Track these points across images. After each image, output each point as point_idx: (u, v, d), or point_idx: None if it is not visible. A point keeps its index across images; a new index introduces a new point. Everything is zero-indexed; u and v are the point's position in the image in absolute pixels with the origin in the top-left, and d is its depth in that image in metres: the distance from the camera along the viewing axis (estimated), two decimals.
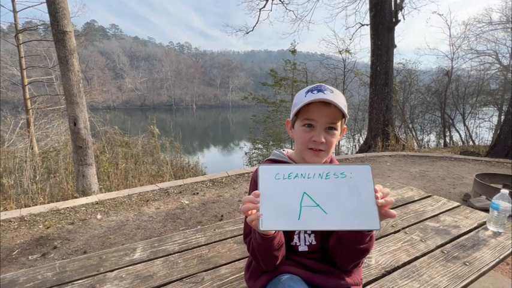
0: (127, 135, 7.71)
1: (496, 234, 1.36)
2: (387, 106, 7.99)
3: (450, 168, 4.99)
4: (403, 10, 8.42)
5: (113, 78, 62.31)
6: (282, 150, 0.97)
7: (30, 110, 8.47)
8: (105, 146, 6.71)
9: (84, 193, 3.96)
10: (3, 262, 2.25)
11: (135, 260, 1.17)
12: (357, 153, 8.28)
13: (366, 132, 9.38)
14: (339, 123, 0.82)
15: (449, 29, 14.78)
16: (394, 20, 7.97)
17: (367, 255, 0.95)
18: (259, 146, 10.44)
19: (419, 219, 1.54)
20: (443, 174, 4.57)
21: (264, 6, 11.37)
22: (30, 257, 2.32)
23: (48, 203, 3.64)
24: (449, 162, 5.44)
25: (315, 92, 0.79)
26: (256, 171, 0.71)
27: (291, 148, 1.01)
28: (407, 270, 1.10)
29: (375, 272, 1.09)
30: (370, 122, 8.30)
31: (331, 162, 0.91)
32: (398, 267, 1.12)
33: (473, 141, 10.34)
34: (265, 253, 0.78)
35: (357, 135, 12.36)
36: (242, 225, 0.97)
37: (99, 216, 3.07)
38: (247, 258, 1.02)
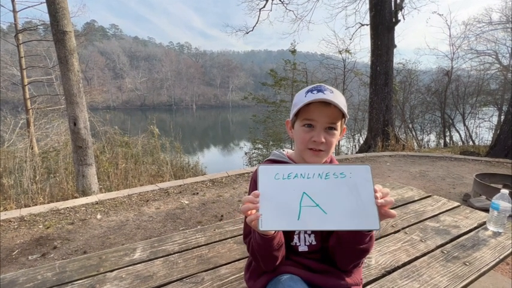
0: (127, 135, 7.71)
1: (496, 234, 1.36)
2: (387, 106, 7.99)
3: (450, 168, 4.99)
4: (403, 10, 8.43)
5: (112, 78, 62.31)
6: (281, 150, 0.97)
7: (30, 110, 8.47)
8: (105, 146, 6.71)
9: (84, 193, 3.96)
10: (3, 262, 2.25)
11: (135, 260, 1.17)
12: (357, 153, 8.28)
13: (365, 132, 9.38)
14: (338, 123, 0.82)
15: (449, 29, 14.79)
16: (394, 20, 7.97)
17: (367, 256, 0.95)
18: (259, 146, 10.44)
19: (419, 219, 1.54)
20: (443, 174, 4.57)
21: (264, 6, 11.38)
22: (30, 257, 2.32)
23: (48, 203, 3.64)
24: (449, 162, 5.44)
25: (315, 92, 0.79)
26: (256, 171, 0.71)
27: (291, 148, 1.01)
28: (407, 270, 1.10)
29: (375, 272, 1.09)
30: (370, 122, 8.30)
31: (331, 162, 0.91)
32: (398, 267, 1.12)
33: (473, 141, 10.35)
34: (264, 253, 0.78)
35: (357, 135, 12.36)
36: (242, 225, 0.97)
37: (99, 216, 3.07)
38: (247, 259, 1.02)
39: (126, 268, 1.12)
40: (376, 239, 1.33)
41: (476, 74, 12.96)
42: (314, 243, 0.86)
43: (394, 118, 8.69)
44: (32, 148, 6.76)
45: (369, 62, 8.38)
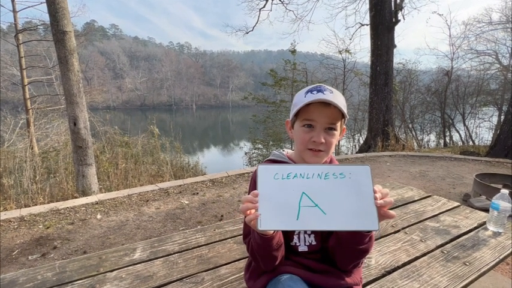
0: (127, 135, 7.71)
1: (496, 234, 1.36)
2: (387, 106, 7.99)
3: (450, 168, 4.99)
4: (403, 10, 8.42)
5: (112, 78, 62.30)
6: (281, 150, 0.97)
7: (30, 110, 8.47)
8: (105, 146, 6.71)
9: (84, 193, 3.96)
10: (3, 262, 2.25)
11: (135, 260, 1.17)
12: (356, 153, 8.28)
13: (365, 132, 9.38)
14: (338, 124, 0.82)
15: (449, 29, 14.80)
16: (394, 20, 7.97)
17: (367, 256, 0.95)
18: (259, 146, 10.44)
19: (419, 219, 1.54)
20: (443, 174, 4.57)
21: (264, 6, 11.38)
22: (30, 257, 2.32)
23: (48, 203, 3.64)
24: (449, 162, 5.44)
25: (315, 92, 0.79)
26: (256, 171, 0.71)
27: (291, 148, 1.01)
28: (407, 270, 1.10)
29: (375, 272, 1.09)
30: (370, 122, 8.30)
31: (331, 162, 0.91)
32: (398, 267, 1.12)
33: (473, 141, 10.34)
34: (264, 253, 0.78)
35: (356, 135, 12.36)
36: (242, 226, 0.97)
37: (99, 216, 3.07)
38: (247, 259, 1.02)
39: (126, 268, 1.12)
40: (376, 239, 1.33)
41: (476, 74, 12.97)
42: (314, 243, 0.86)
43: (394, 118, 8.69)
44: (32, 148, 6.76)
45: (369, 62, 8.38)
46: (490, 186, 3.07)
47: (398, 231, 1.42)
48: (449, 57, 12.27)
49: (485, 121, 11.70)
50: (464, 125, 11.13)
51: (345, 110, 0.79)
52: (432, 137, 11.97)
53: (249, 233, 0.84)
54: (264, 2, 11.26)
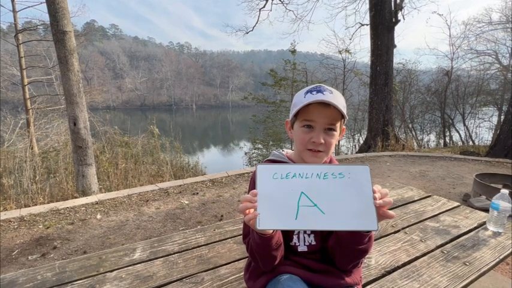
0: (127, 135, 7.71)
1: (496, 234, 1.36)
2: (387, 106, 7.99)
3: (450, 168, 4.99)
4: (403, 10, 8.43)
5: (112, 78, 62.29)
6: (281, 150, 0.97)
7: (30, 110, 8.47)
8: (105, 146, 6.71)
9: (84, 193, 3.96)
10: (3, 262, 2.25)
11: (135, 260, 1.17)
12: (356, 153, 8.28)
13: (365, 132, 9.39)
14: (338, 124, 0.82)
15: (449, 29, 14.82)
16: (394, 20, 7.97)
17: (367, 256, 0.95)
18: (259, 146, 10.44)
19: (419, 219, 1.54)
20: (443, 174, 4.57)
21: (263, 6, 11.37)
22: (30, 257, 2.32)
23: (48, 203, 3.63)
24: (449, 162, 5.44)
25: (314, 92, 0.79)
26: (255, 170, 0.71)
27: (291, 148, 1.00)
28: (407, 270, 1.10)
29: (374, 272, 1.09)
30: (370, 122, 8.30)
31: (330, 162, 0.91)
32: (398, 267, 1.12)
33: (473, 141, 10.35)
34: (263, 253, 0.78)
35: (356, 135, 12.36)
36: (242, 226, 0.97)
37: (99, 216, 3.07)
38: (246, 259, 1.02)
39: (126, 268, 1.12)
40: (376, 239, 1.33)
41: (476, 74, 12.98)
42: (314, 243, 0.86)
43: (394, 118, 8.69)
44: (32, 148, 6.76)
45: (369, 62, 8.38)
46: (490, 186, 3.07)
47: (398, 231, 1.42)
48: (449, 57, 12.29)
49: (485, 121, 11.71)
50: (464, 125, 11.13)
51: (344, 111, 0.79)
52: (432, 137, 11.97)
53: (249, 233, 0.84)
54: (264, 2, 11.27)
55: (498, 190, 1.43)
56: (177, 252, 1.24)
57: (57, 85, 11.31)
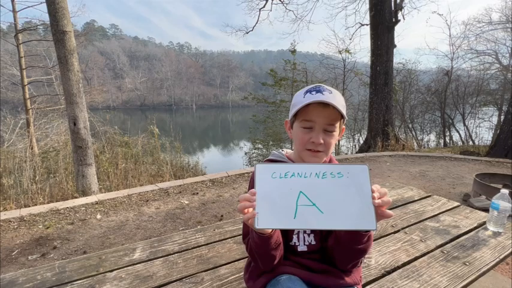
0: (127, 135, 7.72)
1: (496, 234, 1.36)
2: (387, 106, 7.99)
3: (450, 168, 4.99)
4: (403, 10, 8.41)
5: (112, 78, 62.27)
6: (281, 150, 0.97)
7: (30, 110, 8.47)
8: (105, 146, 6.71)
9: (84, 193, 3.96)
10: (2, 262, 2.25)
11: (135, 260, 1.17)
12: (356, 153, 8.28)
13: (365, 132, 9.39)
14: (337, 124, 0.82)
15: (449, 29, 14.86)
16: (394, 20, 7.97)
17: (367, 255, 0.95)
18: (259, 146, 10.44)
19: (419, 219, 1.54)
20: (443, 174, 4.57)
21: (263, 6, 11.37)
22: (29, 257, 2.32)
23: (48, 203, 3.63)
24: (449, 162, 5.44)
25: (314, 92, 0.79)
26: (254, 170, 0.71)
27: (291, 148, 1.00)
28: (407, 270, 1.10)
29: (374, 272, 1.09)
30: (370, 122, 8.30)
31: (330, 162, 0.91)
32: (398, 267, 1.12)
33: (473, 141, 10.34)
34: (262, 252, 0.78)
35: (356, 135, 12.37)
36: (242, 226, 0.97)
37: (98, 216, 3.07)
38: (246, 259, 1.02)
39: (125, 268, 1.12)
40: (376, 239, 1.33)
41: (476, 74, 12.98)
42: (313, 243, 0.86)
43: (394, 118, 8.69)
44: (32, 148, 6.76)
45: (369, 62, 8.37)
46: (490, 186, 3.07)
47: (398, 231, 1.42)
48: (449, 57, 12.30)
49: (485, 121, 11.71)
50: (464, 125, 11.13)
51: (344, 111, 0.79)
52: (432, 137, 11.97)
53: (248, 233, 0.84)
54: (264, 2, 11.26)
55: (498, 190, 1.43)
56: (177, 252, 1.24)
57: (57, 85, 11.30)
